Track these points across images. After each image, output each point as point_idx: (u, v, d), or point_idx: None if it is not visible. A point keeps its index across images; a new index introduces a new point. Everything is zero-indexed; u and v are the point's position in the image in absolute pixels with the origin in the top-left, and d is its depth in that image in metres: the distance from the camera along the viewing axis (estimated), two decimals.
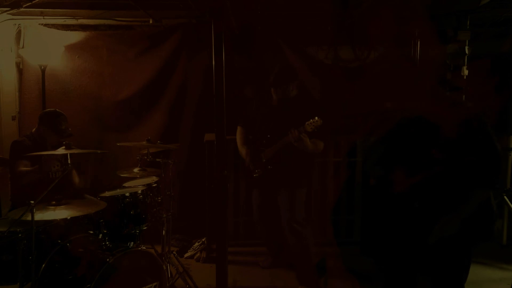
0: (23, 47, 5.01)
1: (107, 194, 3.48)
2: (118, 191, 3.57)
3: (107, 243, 3.19)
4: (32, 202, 2.60)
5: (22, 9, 4.54)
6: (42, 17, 4.85)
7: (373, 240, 3.13)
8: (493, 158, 2.44)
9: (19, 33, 5.03)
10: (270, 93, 4.04)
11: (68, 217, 3.05)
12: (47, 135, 3.84)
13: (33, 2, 4.39)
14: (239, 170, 4.70)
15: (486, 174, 2.45)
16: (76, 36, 5.09)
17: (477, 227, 2.56)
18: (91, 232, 3.32)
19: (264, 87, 4.19)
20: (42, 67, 4.91)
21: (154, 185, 3.75)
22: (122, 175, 3.83)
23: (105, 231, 3.24)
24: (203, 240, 4.84)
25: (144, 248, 3.31)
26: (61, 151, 3.14)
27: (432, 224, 2.47)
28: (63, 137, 3.80)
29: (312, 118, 3.67)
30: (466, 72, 4.25)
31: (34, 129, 3.89)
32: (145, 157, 3.88)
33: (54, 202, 2.91)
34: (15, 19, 4.88)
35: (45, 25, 5.02)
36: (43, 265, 3.01)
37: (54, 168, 3.71)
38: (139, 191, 3.54)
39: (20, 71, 5.13)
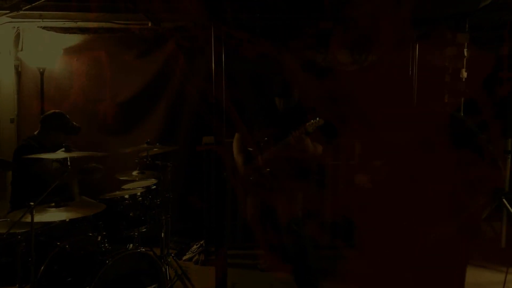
0: (21, 50, 5.02)
1: (106, 196, 3.47)
2: (117, 193, 3.57)
3: (106, 245, 3.18)
4: (31, 203, 2.59)
5: (21, 12, 4.55)
6: (41, 20, 4.86)
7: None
8: None
9: (17, 36, 5.04)
10: (274, 101, 4.04)
11: (67, 219, 3.04)
12: (55, 137, 3.85)
13: (32, 4, 4.39)
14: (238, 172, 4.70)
15: None
16: (75, 39, 5.11)
17: None
18: (90, 234, 3.30)
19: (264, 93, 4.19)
20: (41, 70, 4.91)
21: (153, 187, 3.74)
22: (121, 178, 3.83)
23: (104, 233, 3.23)
24: (201, 242, 4.84)
25: (143, 250, 3.30)
26: (61, 154, 3.14)
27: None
28: (75, 133, 3.89)
29: (314, 119, 3.66)
30: (465, 74, 4.27)
31: (36, 132, 3.88)
32: (144, 160, 3.88)
33: (53, 204, 2.90)
34: (14, 22, 4.89)
35: (44, 28, 5.02)
36: (42, 267, 2.99)
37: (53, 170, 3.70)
38: (138, 194, 3.54)
39: (19, 74, 5.13)
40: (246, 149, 4.12)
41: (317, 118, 3.65)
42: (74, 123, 3.93)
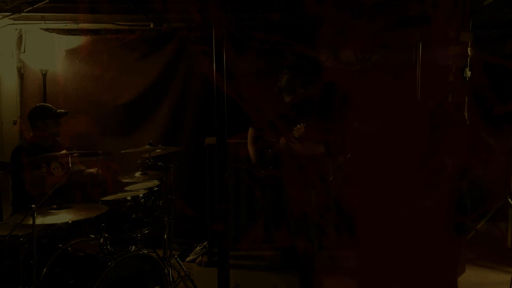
0: (24, 52, 5.03)
1: (108, 197, 3.47)
2: (119, 195, 3.56)
3: (109, 247, 3.17)
4: (33, 206, 2.59)
5: (23, 14, 4.55)
6: (43, 21, 4.87)
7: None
8: None
9: (20, 38, 5.05)
10: (277, 85, 4.17)
11: (69, 221, 3.04)
12: (47, 127, 3.82)
13: (34, 6, 4.40)
14: (240, 173, 4.70)
15: None
16: (77, 41, 5.11)
17: None
18: (93, 236, 3.31)
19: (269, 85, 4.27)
20: (43, 72, 4.92)
21: (155, 188, 3.73)
22: (123, 179, 3.82)
23: (106, 235, 3.22)
24: (204, 244, 4.82)
25: (145, 252, 3.29)
26: (61, 154, 3.13)
27: None
28: (61, 116, 3.85)
29: (299, 124, 3.83)
30: (469, 73, 4.23)
31: (31, 134, 3.88)
32: (147, 161, 3.87)
33: (55, 206, 2.89)
34: (16, 24, 4.90)
35: (46, 29, 5.03)
36: (45, 270, 2.99)
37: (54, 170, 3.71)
38: (141, 195, 3.53)
39: (21, 76, 5.14)
40: (258, 141, 4.30)
41: (300, 124, 3.82)
42: (60, 110, 3.89)
